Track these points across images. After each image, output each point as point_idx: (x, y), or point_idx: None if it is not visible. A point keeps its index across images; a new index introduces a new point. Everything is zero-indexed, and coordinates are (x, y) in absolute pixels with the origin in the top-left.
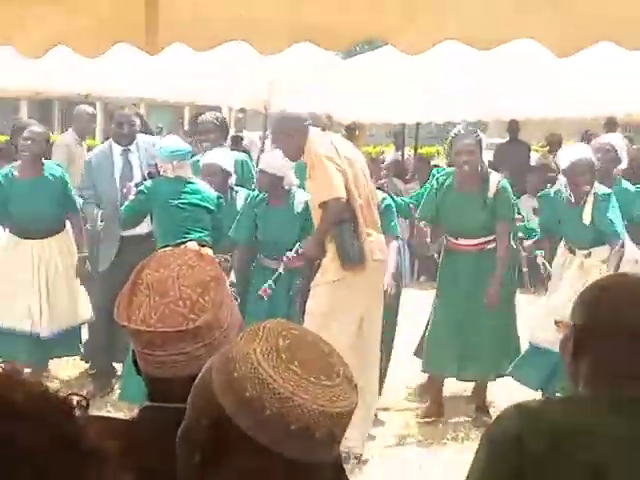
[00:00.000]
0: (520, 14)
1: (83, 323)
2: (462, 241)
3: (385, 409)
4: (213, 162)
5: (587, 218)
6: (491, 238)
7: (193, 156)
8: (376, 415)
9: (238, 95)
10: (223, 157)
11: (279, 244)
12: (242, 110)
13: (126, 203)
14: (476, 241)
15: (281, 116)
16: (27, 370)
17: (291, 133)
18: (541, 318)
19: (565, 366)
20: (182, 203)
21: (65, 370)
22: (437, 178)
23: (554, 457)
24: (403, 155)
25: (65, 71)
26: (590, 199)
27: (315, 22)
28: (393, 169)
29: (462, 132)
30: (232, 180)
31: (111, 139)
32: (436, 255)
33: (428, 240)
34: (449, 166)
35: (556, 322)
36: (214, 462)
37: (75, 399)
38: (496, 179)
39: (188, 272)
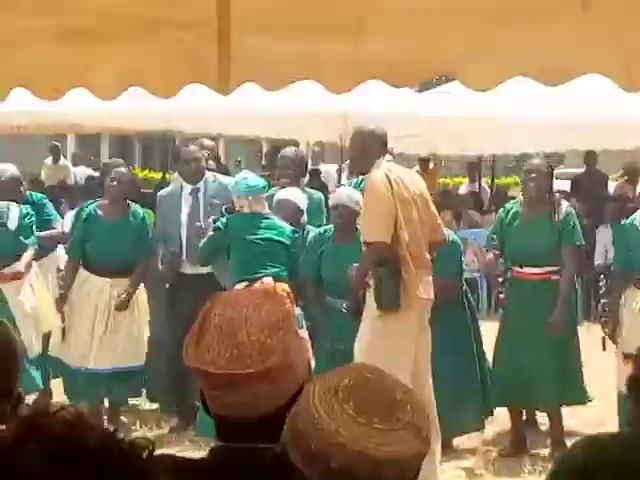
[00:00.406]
0: (586, 48)
1: (138, 367)
2: (526, 269)
3: (462, 442)
4: (287, 198)
5: None
6: (556, 269)
7: (269, 189)
8: (453, 447)
9: (314, 128)
10: (297, 195)
11: (343, 283)
12: (319, 143)
13: (203, 240)
14: (541, 270)
15: (361, 130)
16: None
17: (366, 148)
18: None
19: (632, 402)
20: (258, 238)
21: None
22: (505, 206)
23: None
24: (480, 186)
25: (143, 107)
26: None
27: (382, 60)
28: (470, 201)
29: (535, 158)
30: (304, 218)
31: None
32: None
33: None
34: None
35: (625, 356)
36: None
37: (142, 442)
38: (565, 205)
39: (256, 313)
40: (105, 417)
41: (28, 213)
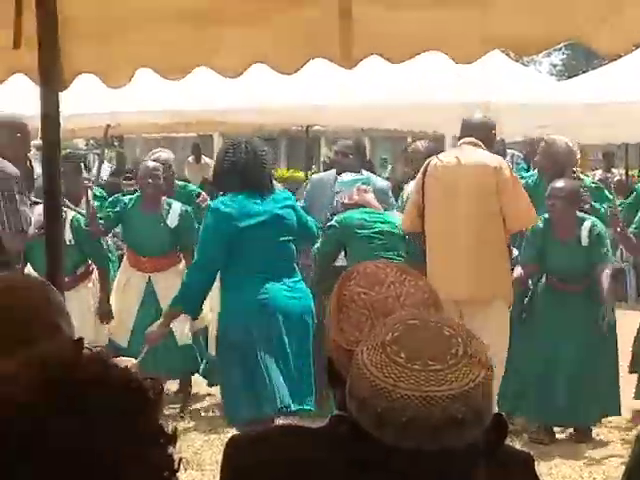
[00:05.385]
0: None
1: None
2: None
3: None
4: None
5: None
6: None
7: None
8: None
9: (454, 121)
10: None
11: None
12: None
13: (317, 244)
14: None
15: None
16: None
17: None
18: None
19: None
20: (374, 232)
21: None
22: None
23: None
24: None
25: (285, 102)
26: None
27: (505, 30)
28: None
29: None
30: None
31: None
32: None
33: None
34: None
35: None
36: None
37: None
38: None
39: (404, 289)
40: None
41: (188, 212)
